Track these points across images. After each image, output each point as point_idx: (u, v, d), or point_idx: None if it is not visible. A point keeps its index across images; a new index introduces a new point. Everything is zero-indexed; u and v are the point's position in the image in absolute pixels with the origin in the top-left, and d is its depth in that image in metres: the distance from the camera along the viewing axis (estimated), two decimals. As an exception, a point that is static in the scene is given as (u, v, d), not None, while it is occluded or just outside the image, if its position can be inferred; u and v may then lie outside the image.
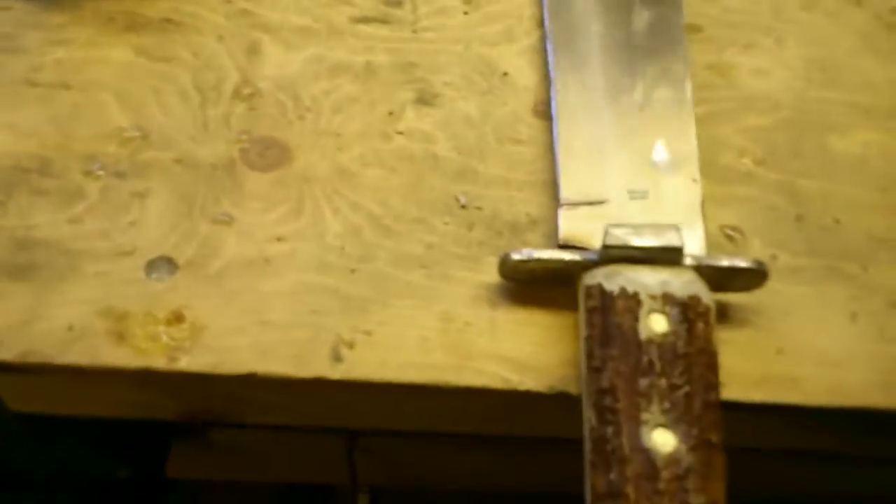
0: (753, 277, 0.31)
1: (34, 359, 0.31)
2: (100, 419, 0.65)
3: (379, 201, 0.35)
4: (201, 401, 0.37)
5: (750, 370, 0.32)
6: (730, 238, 0.34)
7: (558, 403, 0.33)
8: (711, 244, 0.34)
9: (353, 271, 0.33)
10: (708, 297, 0.29)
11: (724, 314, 0.32)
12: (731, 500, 0.26)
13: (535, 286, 0.33)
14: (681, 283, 0.29)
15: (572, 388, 0.31)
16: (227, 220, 0.34)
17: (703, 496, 0.25)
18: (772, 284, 0.33)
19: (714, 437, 0.26)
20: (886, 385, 0.31)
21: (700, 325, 0.28)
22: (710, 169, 0.36)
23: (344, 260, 0.33)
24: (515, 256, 0.31)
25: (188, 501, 1.05)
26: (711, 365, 0.28)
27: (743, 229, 0.35)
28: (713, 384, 0.28)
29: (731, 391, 0.31)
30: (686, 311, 0.28)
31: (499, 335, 0.32)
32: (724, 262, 0.30)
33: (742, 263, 0.30)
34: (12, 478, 0.73)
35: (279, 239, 0.34)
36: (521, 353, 0.32)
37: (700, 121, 0.37)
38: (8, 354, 0.31)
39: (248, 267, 0.33)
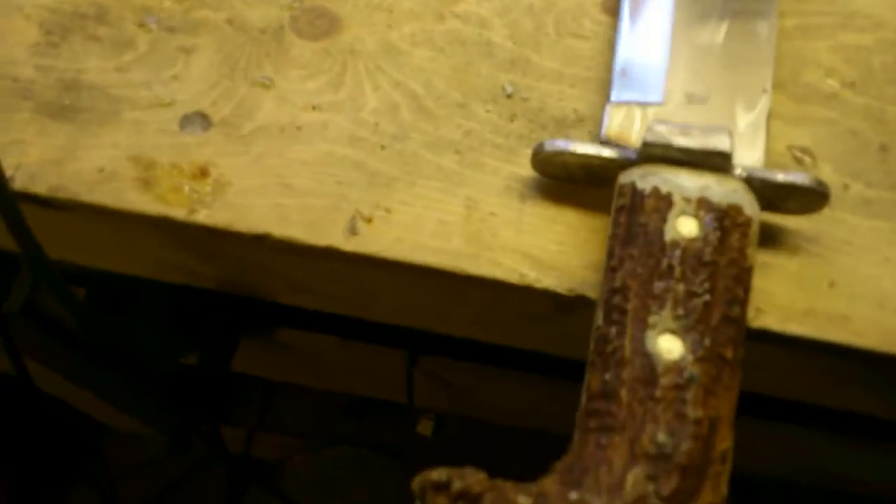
0: (811, 199, 0.28)
1: (63, 195, 0.31)
2: (170, 301, 0.68)
3: (422, 82, 0.33)
4: (234, 270, 0.37)
5: (795, 301, 0.29)
6: (797, 160, 0.31)
7: (573, 314, 0.31)
8: (774, 164, 0.31)
9: (383, 148, 0.32)
10: (753, 209, 0.26)
11: (774, 237, 0.29)
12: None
13: (569, 184, 0.30)
14: (723, 190, 0.26)
15: (592, 294, 0.29)
16: (267, 84, 0.33)
17: (701, 409, 0.23)
18: (837, 213, 0.30)
19: (728, 353, 0.24)
20: (951, 339, 0.28)
21: (735, 236, 0.26)
22: (789, 85, 0.32)
23: (376, 136, 0.32)
24: (550, 147, 0.29)
25: (259, 404, 1.09)
26: (741, 279, 0.25)
27: (815, 152, 0.31)
28: (739, 299, 0.25)
29: (769, 320, 0.28)
30: (722, 219, 0.26)
31: (524, 229, 0.30)
32: (779, 177, 0.27)
33: (799, 180, 0.27)
34: (84, 351, 0.77)
35: (315, 108, 0.33)
36: (544, 250, 0.30)
37: (787, 33, 0.33)
38: (40, 188, 0.31)
39: (280, 132, 0.32)
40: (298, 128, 0.32)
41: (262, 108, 0.33)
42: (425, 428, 1.18)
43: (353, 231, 0.30)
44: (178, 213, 0.31)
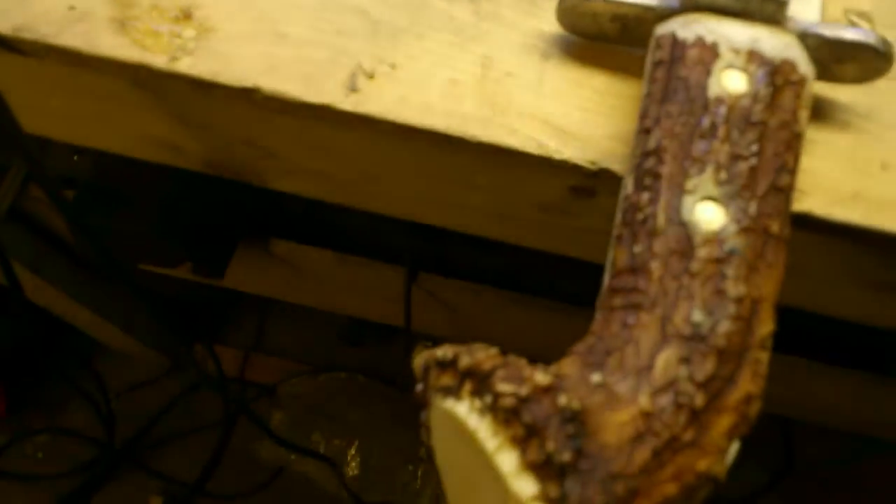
0: (871, 62, 0.24)
1: (29, 35, 0.28)
2: (163, 204, 0.65)
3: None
4: (221, 145, 0.34)
5: (843, 182, 0.26)
6: (854, 24, 0.28)
7: (606, 198, 0.28)
8: (830, 29, 0.27)
9: (390, -6, 0.28)
10: (807, 66, 0.23)
11: (823, 111, 0.26)
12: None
13: (599, 42, 0.27)
14: (776, 43, 0.23)
15: (618, 167, 0.26)
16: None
17: (743, 287, 0.20)
18: (894, 86, 0.26)
19: (775, 226, 0.21)
20: None
21: (788, 96, 0.22)
22: (852, -59, 0.29)
23: (383, -20, 0.28)
24: (578, -7, 0.25)
25: (255, 326, 1.08)
26: (792, 146, 0.22)
27: (874, 16, 0.28)
28: (789, 167, 0.22)
29: (812, 203, 0.25)
30: (774, 75, 0.22)
31: (544, 92, 0.27)
32: (840, 33, 0.24)
33: (862, 37, 0.24)
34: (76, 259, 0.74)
35: (314, -55, 0.29)
36: (566, 118, 0.27)
37: None
38: (3, 26, 0.28)
39: (274, -27, 0.28)
40: (298, -32, 0.29)
41: (254, -56, 0.29)
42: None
43: (352, 87, 0.27)
44: (158, 60, 0.27)
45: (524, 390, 0.18)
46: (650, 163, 0.22)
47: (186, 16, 0.28)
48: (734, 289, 0.20)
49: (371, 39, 0.27)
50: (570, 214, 0.32)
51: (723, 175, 0.21)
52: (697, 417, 0.19)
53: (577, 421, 0.18)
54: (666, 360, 0.19)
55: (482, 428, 0.18)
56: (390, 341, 1.15)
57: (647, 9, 0.25)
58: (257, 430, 0.89)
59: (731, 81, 0.22)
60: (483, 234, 0.37)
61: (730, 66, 0.22)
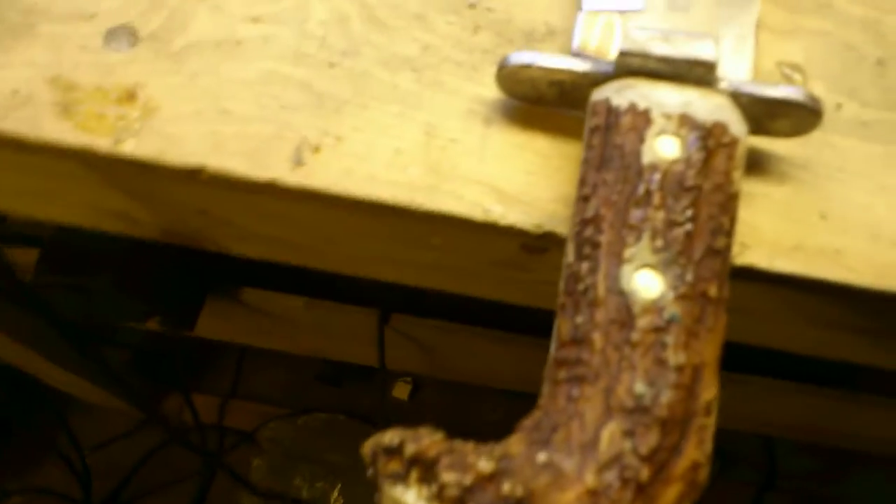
0: (803, 118, 0.25)
1: (-28, 121, 0.28)
2: (130, 264, 0.64)
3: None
4: (175, 215, 0.34)
5: (784, 234, 0.26)
6: (787, 78, 0.28)
7: (558, 254, 0.28)
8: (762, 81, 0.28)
9: (332, 66, 0.28)
10: (740, 128, 0.24)
11: (761, 164, 0.27)
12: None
13: (539, 106, 0.27)
14: (708, 106, 0.24)
15: (563, 230, 0.26)
16: (200, -5, 0.30)
17: (683, 355, 0.20)
18: (829, 136, 0.27)
19: (713, 290, 0.21)
20: (951, 272, 0.25)
21: (721, 158, 0.23)
22: (780, -6, 0.29)
23: (324, 52, 0.29)
24: (515, 60, 0.26)
25: (232, 371, 1.07)
26: (727, 207, 0.23)
27: (806, 69, 0.28)
28: (724, 230, 0.22)
29: (755, 256, 0.26)
30: (706, 138, 0.23)
31: (488, 158, 0.27)
32: (769, 92, 0.24)
33: (792, 95, 0.24)
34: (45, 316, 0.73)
35: (255, 20, 0.29)
36: (510, 181, 0.27)
37: (778, -63, 0.30)
38: (-55, 114, 0.28)
39: (216, 48, 0.29)
40: (237, 43, 0.29)
41: (195, 21, 0.29)
42: (401, 391, 1.18)
43: (298, 162, 0.27)
44: (103, 143, 0.27)
45: (468, 479, 0.18)
46: (589, 231, 0.22)
47: (130, 97, 0.28)
48: (674, 357, 0.20)
49: (315, 112, 0.28)
50: (525, 269, 0.32)
51: (659, 242, 0.22)
52: (644, 491, 0.19)
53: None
54: (610, 434, 0.19)
55: (431, 516, 0.18)
56: (370, 379, 1.15)
57: (582, 75, 0.25)
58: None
59: (664, 147, 0.23)
60: (442, 288, 0.37)
61: (662, 131, 0.23)
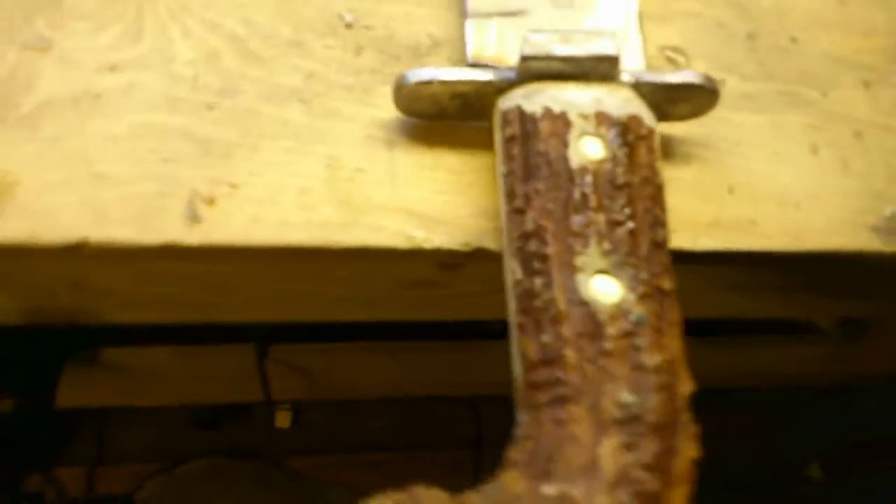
0: (702, 98, 0.25)
1: None
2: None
3: (241, 19, 0.27)
4: (42, 295, 0.30)
5: (699, 213, 0.27)
6: (671, 61, 0.29)
7: (474, 266, 0.27)
8: (651, 68, 0.28)
9: (210, 108, 0.26)
10: (650, 118, 0.24)
11: (666, 149, 0.27)
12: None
13: (439, 121, 0.26)
14: (617, 101, 0.23)
15: (491, 244, 0.25)
16: (43, 46, 0.26)
17: (658, 355, 0.20)
18: (720, 112, 0.28)
19: (666, 284, 0.21)
20: (854, 225, 0.27)
21: (642, 151, 0.23)
22: (648, -20, 0.30)
23: (198, 93, 0.26)
24: (414, 78, 0.25)
25: (95, 436, 0.99)
26: (657, 198, 0.23)
27: (686, 50, 0.29)
28: (661, 221, 0.22)
29: (680, 239, 0.26)
30: (625, 133, 0.23)
31: (399, 183, 0.26)
32: (669, 78, 0.25)
33: (690, 79, 0.25)
34: None
35: (112, 68, 0.26)
36: (427, 204, 0.26)
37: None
38: None
39: (73, 105, 0.25)
40: (96, 96, 0.26)
41: (42, 77, 0.26)
42: (283, 420, 1.14)
43: (193, 218, 0.25)
44: (-45, 231, 0.23)
45: (485, 533, 0.17)
46: (533, 245, 0.22)
47: (-21, 174, 0.24)
48: (650, 359, 0.20)
49: (202, 161, 0.25)
50: (440, 286, 0.31)
51: (606, 245, 0.21)
52: (658, 500, 0.18)
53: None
54: (609, 450, 0.19)
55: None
56: (249, 414, 1.10)
57: (485, 84, 0.25)
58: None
59: (589, 148, 0.22)
60: (348, 318, 0.35)
61: (583, 133, 0.23)
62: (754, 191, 0.27)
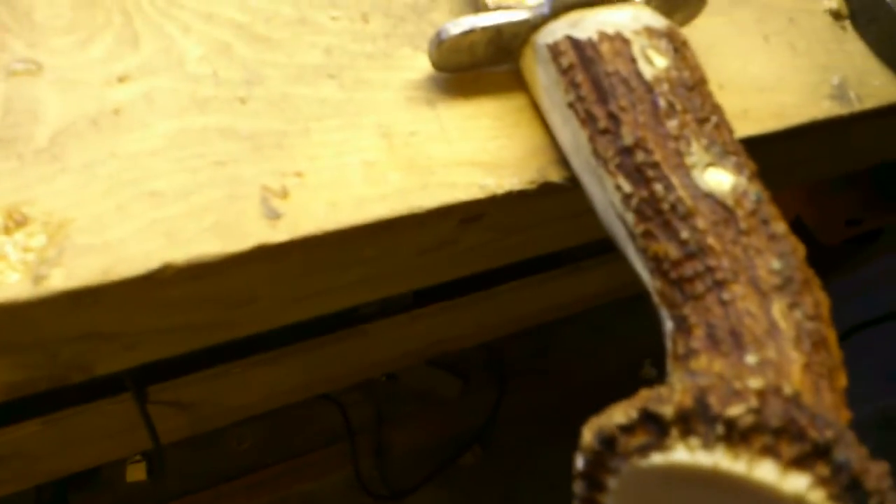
0: (694, 6, 0.28)
1: None
2: None
3: (236, 5, 0.25)
4: (43, 356, 0.26)
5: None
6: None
7: (478, 221, 0.28)
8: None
9: (243, 101, 0.24)
10: (675, 27, 0.26)
11: (664, 58, 0.29)
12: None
13: (467, 72, 0.27)
14: (647, 15, 0.25)
15: (554, 176, 0.26)
16: (32, 69, 0.23)
17: (781, 223, 0.22)
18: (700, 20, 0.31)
19: (752, 164, 0.24)
20: (816, 97, 0.31)
21: (689, 54, 0.25)
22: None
23: (224, 88, 0.24)
24: (455, 30, 0.25)
25: None
26: (711, 94, 0.25)
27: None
28: (722, 112, 0.24)
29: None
30: (672, 41, 0.25)
31: (452, 137, 0.26)
32: (672, -10, 0.27)
33: (689, -11, 0.27)
34: None
35: (121, 79, 0.23)
36: (485, 151, 0.26)
37: None
38: None
39: (93, 126, 0.22)
40: (115, 111, 0.23)
41: (44, 103, 0.22)
42: (136, 473, 1.06)
43: (273, 214, 0.23)
44: (20, 289, 0.20)
45: (754, 402, 0.18)
46: (639, 157, 0.23)
47: (20, 220, 0.21)
48: (779, 227, 0.22)
49: (258, 156, 0.23)
50: (455, 243, 0.31)
51: (704, 141, 0.23)
52: (826, 342, 0.21)
53: (798, 402, 0.18)
54: (781, 313, 0.21)
55: (719, 459, 0.18)
56: (97, 477, 1.02)
57: (521, 23, 0.25)
58: None
59: (655, 59, 0.24)
60: (359, 302, 0.34)
61: (642, 47, 0.24)
62: (738, 84, 0.30)
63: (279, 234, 0.23)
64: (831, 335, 0.21)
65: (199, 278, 0.23)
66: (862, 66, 0.32)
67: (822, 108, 0.31)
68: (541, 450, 1.27)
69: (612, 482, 0.20)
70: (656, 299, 0.23)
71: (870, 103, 0.32)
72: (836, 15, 0.33)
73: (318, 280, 0.30)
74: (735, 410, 0.18)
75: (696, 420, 0.18)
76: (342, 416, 1.22)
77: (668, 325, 0.22)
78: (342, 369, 0.84)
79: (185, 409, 0.77)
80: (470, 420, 1.26)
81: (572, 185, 0.26)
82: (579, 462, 0.20)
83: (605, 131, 0.23)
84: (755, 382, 0.18)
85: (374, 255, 0.29)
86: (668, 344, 0.22)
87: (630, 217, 0.23)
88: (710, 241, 0.22)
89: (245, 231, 0.22)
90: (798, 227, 1.00)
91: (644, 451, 0.19)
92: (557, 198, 0.27)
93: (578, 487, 0.21)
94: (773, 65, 0.31)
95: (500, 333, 1.07)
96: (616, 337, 1.37)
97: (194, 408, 0.78)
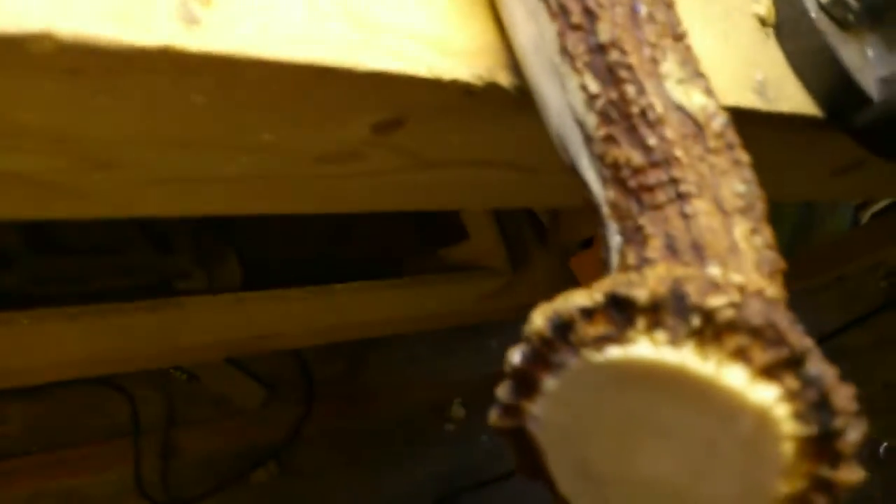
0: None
1: None
2: None
3: None
4: None
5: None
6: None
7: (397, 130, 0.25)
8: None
9: None
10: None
11: None
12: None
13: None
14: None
15: (503, 80, 0.24)
16: None
17: (744, 153, 0.21)
18: None
19: (713, 90, 0.22)
20: (740, 85, 0.31)
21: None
22: None
23: None
24: None
25: None
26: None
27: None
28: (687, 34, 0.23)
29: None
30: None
31: (407, 6, 0.23)
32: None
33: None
34: None
35: None
36: (434, 34, 0.23)
37: None
38: None
39: None
40: None
41: None
42: None
43: (189, 19, 0.19)
44: None
45: (735, 296, 0.16)
46: (613, 56, 0.21)
47: None
48: (744, 155, 0.21)
49: (184, -51, 0.19)
50: (360, 159, 0.28)
51: (678, 56, 0.22)
52: (783, 275, 0.20)
53: (780, 307, 0.17)
54: (742, 234, 0.19)
55: (686, 357, 0.16)
56: None
57: None
58: None
59: (637, -34, 0.22)
60: (225, 213, 0.30)
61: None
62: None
63: (192, 39, 0.18)
64: (783, 270, 0.20)
65: (75, 75, 0.18)
66: (780, 72, 0.33)
67: (747, 98, 0.31)
68: (336, 477, 1.22)
69: (549, 384, 0.17)
70: (606, 211, 0.21)
71: (785, 106, 0.32)
72: (762, 21, 0.34)
73: (198, 158, 0.25)
74: (715, 301, 0.16)
75: (666, 312, 0.16)
76: (131, 409, 1.11)
77: (616, 238, 0.20)
78: (146, 346, 0.75)
79: None
80: (269, 434, 1.19)
81: (519, 95, 0.24)
82: (516, 356, 0.17)
83: (577, 27, 0.21)
84: (737, 278, 0.17)
85: (271, 143, 0.25)
86: (614, 258, 0.20)
87: (591, 119, 0.21)
88: (678, 152, 0.20)
89: (152, 25, 0.18)
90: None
91: (602, 342, 0.16)
92: (488, 128, 0.25)
93: (503, 391, 0.18)
94: (705, 47, 0.31)
95: (327, 339, 1.02)
96: (427, 372, 1.35)
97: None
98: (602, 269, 0.21)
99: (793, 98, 0.33)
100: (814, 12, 0.32)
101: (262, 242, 0.86)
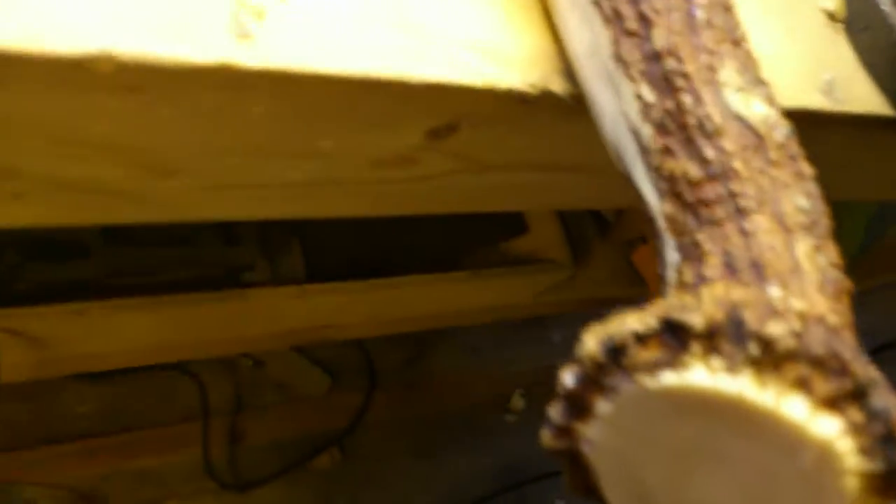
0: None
1: None
2: None
3: None
4: None
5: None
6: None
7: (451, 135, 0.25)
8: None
9: None
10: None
11: None
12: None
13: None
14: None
15: (557, 87, 0.24)
16: None
17: (808, 164, 0.20)
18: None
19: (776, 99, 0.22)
20: (806, 86, 0.30)
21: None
22: None
23: None
24: None
25: None
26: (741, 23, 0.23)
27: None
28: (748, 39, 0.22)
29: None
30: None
31: (460, 14, 0.23)
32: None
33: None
34: None
35: None
36: (488, 41, 0.23)
37: None
38: None
39: None
40: None
41: None
42: None
43: (243, 33, 0.19)
44: None
45: (796, 324, 0.15)
46: (669, 64, 0.20)
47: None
48: (806, 168, 0.20)
49: (237, -34, 0.19)
50: (414, 163, 0.28)
51: (736, 63, 0.21)
52: (849, 294, 0.19)
53: (842, 335, 0.16)
54: (806, 253, 0.19)
55: (744, 387, 0.15)
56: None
57: None
58: None
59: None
60: (284, 217, 0.30)
61: (685, -45, 0.22)
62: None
63: (246, 54, 0.19)
64: (849, 290, 0.19)
65: (135, 92, 0.18)
66: (850, 71, 0.32)
67: (814, 100, 0.30)
68: (397, 464, 1.24)
69: (602, 407, 0.17)
70: (662, 224, 0.20)
71: (856, 107, 0.31)
72: (831, 16, 0.32)
73: (258, 165, 0.26)
74: (775, 328, 0.15)
75: (722, 338, 0.16)
76: (200, 394, 1.14)
77: (673, 255, 0.20)
78: (214, 334, 0.78)
79: (33, 344, 0.68)
80: (332, 421, 1.21)
81: (574, 102, 0.24)
82: (568, 378, 0.17)
83: (632, 33, 0.21)
84: (798, 304, 0.16)
85: (328, 149, 0.25)
86: (671, 274, 0.20)
87: (647, 130, 0.20)
88: (737, 164, 0.19)
89: (207, 43, 0.18)
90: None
91: (655, 367, 0.16)
92: (544, 132, 0.24)
93: (556, 412, 0.18)
94: (769, 44, 0.30)
95: (390, 330, 1.02)
96: (489, 362, 1.35)
97: (44, 345, 0.69)
98: (661, 280, 0.20)
99: (864, 98, 0.31)
100: (886, 5, 0.31)
101: (325, 234, 0.87)
